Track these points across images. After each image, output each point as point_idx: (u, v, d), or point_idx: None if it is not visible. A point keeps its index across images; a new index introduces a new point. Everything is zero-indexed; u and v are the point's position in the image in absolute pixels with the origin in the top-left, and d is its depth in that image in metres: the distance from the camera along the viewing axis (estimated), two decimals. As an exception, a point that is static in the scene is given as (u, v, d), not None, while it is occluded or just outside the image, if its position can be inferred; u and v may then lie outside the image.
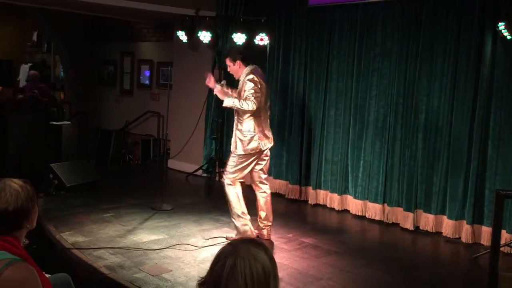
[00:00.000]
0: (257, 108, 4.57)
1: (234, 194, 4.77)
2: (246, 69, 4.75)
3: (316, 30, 6.48)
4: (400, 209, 5.63)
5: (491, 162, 5.03)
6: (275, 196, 6.82)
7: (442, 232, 5.35)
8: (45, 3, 7.40)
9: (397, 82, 5.68)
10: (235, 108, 4.66)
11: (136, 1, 6.81)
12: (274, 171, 6.96)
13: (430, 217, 5.43)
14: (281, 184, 6.86)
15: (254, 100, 4.52)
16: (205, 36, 7.06)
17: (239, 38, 6.89)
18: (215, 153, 7.74)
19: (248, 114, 4.66)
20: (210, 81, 4.85)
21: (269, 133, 4.87)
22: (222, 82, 5.01)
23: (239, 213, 4.77)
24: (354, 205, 6.04)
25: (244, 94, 4.60)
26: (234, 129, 4.82)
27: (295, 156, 6.66)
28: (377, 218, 5.82)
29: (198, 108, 7.74)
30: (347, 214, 6.11)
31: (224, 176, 4.86)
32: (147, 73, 9.63)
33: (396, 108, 5.68)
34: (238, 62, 4.77)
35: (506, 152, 4.93)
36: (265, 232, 4.94)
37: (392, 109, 5.72)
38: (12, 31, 12.43)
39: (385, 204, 5.78)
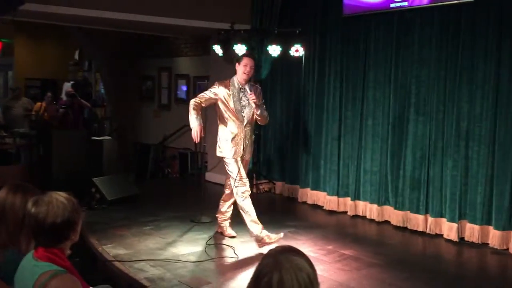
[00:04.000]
0: None
1: None
2: None
3: (351, 40, 6.44)
4: (444, 219, 5.47)
5: (539, 169, 4.83)
6: (314, 207, 6.78)
7: (488, 243, 5.15)
8: (85, 22, 7.66)
9: (437, 89, 5.55)
10: (262, 117, 4.98)
11: (172, 17, 6.97)
12: (311, 183, 6.91)
13: (476, 227, 5.25)
14: (319, 195, 6.80)
15: None
16: (240, 49, 7.12)
17: (274, 50, 6.93)
18: (252, 165, 7.74)
19: None
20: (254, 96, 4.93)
21: None
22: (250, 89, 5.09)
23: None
24: (394, 216, 5.91)
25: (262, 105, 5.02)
26: (249, 136, 5.04)
27: (332, 167, 6.59)
28: (419, 229, 5.66)
29: (234, 120, 7.79)
30: (387, 225, 5.98)
31: (248, 187, 4.95)
32: (184, 88, 9.79)
33: (437, 116, 5.55)
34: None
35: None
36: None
37: (432, 117, 5.59)
38: (55, 51, 12.95)
39: (428, 215, 5.63)
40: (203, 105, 4.98)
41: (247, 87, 4.94)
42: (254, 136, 5.14)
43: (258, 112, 4.91)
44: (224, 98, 4.93)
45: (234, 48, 7.12)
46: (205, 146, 6.68)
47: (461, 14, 5.34)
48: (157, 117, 10.40)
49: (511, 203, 4.98)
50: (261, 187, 7.62)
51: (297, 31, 6.80)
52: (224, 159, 5.01)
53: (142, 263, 4.42)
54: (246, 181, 4.94)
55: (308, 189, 6.96)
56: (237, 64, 4.99)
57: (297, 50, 6.81)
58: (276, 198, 7.37)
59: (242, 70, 4.91)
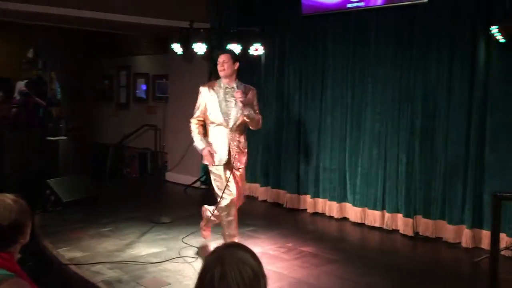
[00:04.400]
0: None
1: None
2: (237, 79, 4.56)
3: (310, 39, 6.51)
4: (400, 215, 5.61)
5: (489, 165, 5.01)
6: (274, 206, 6.81)
7: (442, 237, 5.31)
8: (38, 20, 7.42)
9: (392, 88, 5.68)
10: (251, 119, 4.43)
11: (130, 15, 6.85)
12: (271, 181, 6.95)
13: (430, 222, 5.40)
14: (279, 194, 6.84)
15: (261, 117, 4.51)
16: (200, 48, 7.09)
17: (234, 49, 6.92)
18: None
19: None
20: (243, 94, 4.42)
21: None
22: (239, 87, 4.50)
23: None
24: (353, 212, 6.02)
25: (254, 109, 4.50)
26: (238, 142, 4.50)
27: (292, 165, 6.64)
28: (376, 225, 5.78)
29: (194, 120, 7.73)
30: (346, 222, 6.08)
31: (228, 201, 4.42)
32: (143, 87, 9.65)
33: (392, 114, 5.68)
34: (237, 64, 4.50)
35: (504, 155, 4.91)
36: None
37: (388, 115, 5.72)
38: (7, 49, 12.46)
39: (384, 211, 5.76)
40: (201, 119, 4.58)
41: (234, 85, 4.47)
42: (246, 142, 4.60)
43: (245, 113, 4.37)
44: (208, 99, 4.50)
45: (193, 46, 7.08)
46: (164, 145, 6.59)
47: (415, 15, 5.48)
48: (115, 116, 10.21)
49: (463, 198, 5.15)
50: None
51: (257, 30, 6.81)
52: (209, 167, 4.58)
53: (99, 266, 4.33)
54: (231, 193, 4.41)
55: (269, 188, 6.99)
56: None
57: (256, 49, 6.83)
58: (237, 197, 7.36)
59: (218, 69, 4.50)
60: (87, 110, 10.48)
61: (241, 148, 4.53)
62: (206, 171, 7.74)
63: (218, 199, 4.44)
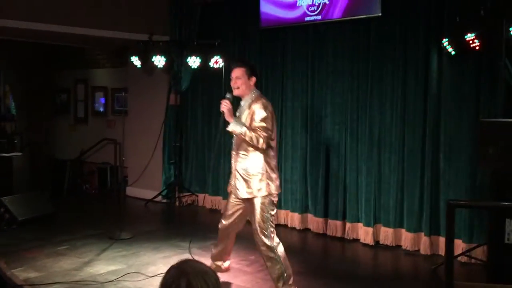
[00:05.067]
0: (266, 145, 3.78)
1: (283, 251, 4.02)
2: (255, 92, 3.93)
3: (270, 51, 6.57)
4: (360, 224, 5.69)
5: (444, 173, 5.16)
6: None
7: (401, 245, 5.42)
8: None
9: (350, 99, 5.79)
10: (241, 137, 3.79)
11: (88, 27, 6.74)
12: (234, 193, 6.92)
13: (389, 230, 5.50)
14: (242, 206, 6.81)
15: (265, 135, 3.71)
16: (159, 61, 7.05)
17: (193, 62, 6.93)
18: (175, 178, 7.64)
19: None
20: (226, 105, 3.86)
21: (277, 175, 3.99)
22: (228, 96, 3.96)
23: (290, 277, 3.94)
24: (315, 223, 6.06)
25: (254, 124, 3.77)
26: (238, 165, 3.91)
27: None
28: (338, 235, 5.84)
29: (155, 133, 7.64)
30: (308, 232, 6.11)
31: (262, 237, 3.97)
32: (102, 100, 9.48)
33: (351, 125, 5.78)
34: (253, 79, 3.90)
35: (457, 164, 5.07)
36: None
37: (347, 126, 5.81)
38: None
39: (345, 221, 5.82)
40: None
41: (242, 103, 3.95)
42: (257, 168, 3.83)
43: (229, 128, 3.80)
44: None
45: (152, 59, 7.04)
46: (123, 159, 6.48)
47: (370, 28, 5.62)
48: (73, 130, 9.98)
49: (421, 206, 5.28)
50: (183, 200, 7.53)
51: (216, 43, 6.83)
52: None
53: (55, 286, 4.19)
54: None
55: (231, 200, 6.95)
56: None
57: (216, 62, 6.84)
58: (199, 211, 7.31)
59: (231, 85, 3.94)
60: (44, 124, 10.20)
61: (242, 173, 3.85)
62: (167, 185, 7.67)
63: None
